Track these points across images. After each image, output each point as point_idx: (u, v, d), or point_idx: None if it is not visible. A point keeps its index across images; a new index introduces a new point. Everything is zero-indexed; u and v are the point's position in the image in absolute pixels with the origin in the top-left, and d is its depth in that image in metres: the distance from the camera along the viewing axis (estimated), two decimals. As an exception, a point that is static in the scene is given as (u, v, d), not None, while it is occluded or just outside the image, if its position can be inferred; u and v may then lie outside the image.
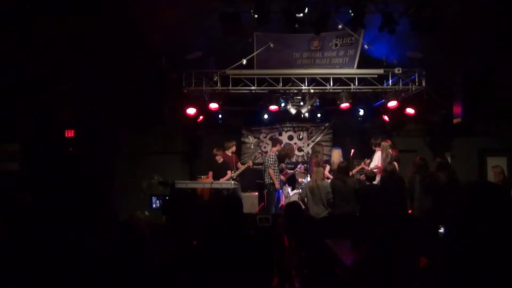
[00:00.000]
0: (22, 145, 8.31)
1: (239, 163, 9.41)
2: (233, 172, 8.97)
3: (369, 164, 8.92)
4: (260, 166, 10.03)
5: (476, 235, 1.55)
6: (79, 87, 8.02)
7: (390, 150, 8.39)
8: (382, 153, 8.59)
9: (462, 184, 1.79)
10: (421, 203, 6.90)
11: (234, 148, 9.43)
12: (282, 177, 9.26)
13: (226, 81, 8.91)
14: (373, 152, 9.10)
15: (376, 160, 8.73)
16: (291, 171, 9.83)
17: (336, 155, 9.07)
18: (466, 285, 1.52)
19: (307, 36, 8.03)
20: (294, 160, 10.81)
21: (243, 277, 2.76)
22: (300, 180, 9.83)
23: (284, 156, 9.41)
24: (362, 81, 9.05)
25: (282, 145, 9.43)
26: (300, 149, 11.19)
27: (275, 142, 9.44)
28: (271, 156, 8.97)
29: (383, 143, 8.64)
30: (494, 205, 1.58)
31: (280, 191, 9.23)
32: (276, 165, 8.88)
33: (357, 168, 9.23)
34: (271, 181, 8.80)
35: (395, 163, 8.19)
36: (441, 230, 4.66)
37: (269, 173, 8.82)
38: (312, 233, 4.41)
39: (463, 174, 7.99)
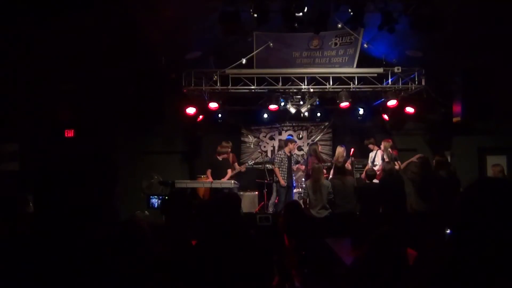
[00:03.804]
0: (22, 145, 8.31)
1: (236, 163, 9.34)
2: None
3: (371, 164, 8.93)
4: (260, 166, 10.02)
5: (485, 234, 1.54)
6: (79, 87, 8.02)
7: (390, 150, 8.39)
8: (383, 153, 8.60)
9: (466, 181, 1.78)
10: (422, 201, 6.90)
11: (228, 150, 9.33)
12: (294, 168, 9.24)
13: (225, 80, 8.91)
14: (368, 150, 9.18)
15: (380, 161, 8.74)
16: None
17: (340, 153, 9.11)
18: (473, 283, 1.51)
19: (307, 35, 8.03)
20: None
21: (243, 277, 2.76)
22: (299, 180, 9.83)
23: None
24: (362, 80, 9.05)
25: (294, 144, 9.36)
26: (300, 148, 11.19)
27: (286, 142, 9.35)
28: (279, 155, 8.96)
29: (383, 142, 8.64)
30: (502, 201, 1.56)
31: (293, 190, 9.22)
32: (283, 164, 8.83)
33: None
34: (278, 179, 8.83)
35: (397, 162, 8.20)
36: (448, 231, 4.66)
37: (274, 171, 8.83)
38: (312, 232, 4.41)
39: (463, 172, 7.98)
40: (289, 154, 8.97)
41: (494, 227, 1.52)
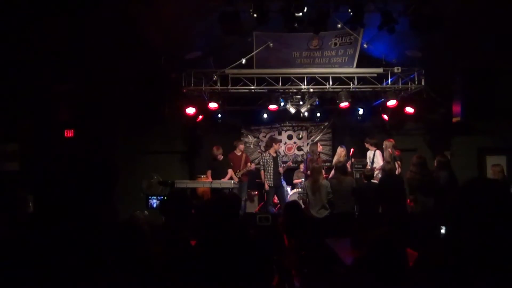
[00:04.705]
0: (22, 145, 8.31)
1: (249, 163, 9.28)
2: (237, 171, 8.95)
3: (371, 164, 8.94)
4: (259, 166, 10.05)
5: (478, 233, 1.55)
6: (79, 87, 8.02)
7: (390, 150, 8.39)
8: (384, 152, 8.60)
9: (462, 182, 1.79)
10: (421, 202, 6.90)
11: (242, 147, 9.39)
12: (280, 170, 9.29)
13: (225, 80, 8.91)
14: (367, 150, 9.18)
15: (380, 160, 8.76)
16: (285, 164, 9.90)
17: (340, 154, 9.13)
18: (467, 282, 1.52)
19: (307, 35, 8.03)
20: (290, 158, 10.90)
21: (243, 277, 2.77)
22: (298, 180, 9.85)
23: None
24: (362, 80, 9.05)
25: (278, 144, 9.41)
26: (299, 148, 11.20)
27: (270, 142, 9.46)
28: (263, 157, 9.08)
29: (385, 142, 8.65)
30: (494, 201, 1.57)
31: (284, 190, 9.27)
32: (269, 166, 8.90)
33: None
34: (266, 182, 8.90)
35: (398, 162, 8.20)
36: (443, 230, 4.68)
37: (260, 174, 8.94)
38: (312, 232, 4.41)
39: (462, 173, 7.98)
40: (274, 155, 9.02)
41: (486, 225, 1.53)
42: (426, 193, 6.89)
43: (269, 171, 8.87)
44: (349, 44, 8.34)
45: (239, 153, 9.24)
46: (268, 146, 9.47)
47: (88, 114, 8.62)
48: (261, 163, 9.04)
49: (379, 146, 9.14)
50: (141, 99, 8.83)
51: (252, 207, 9.57)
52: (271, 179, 8.86)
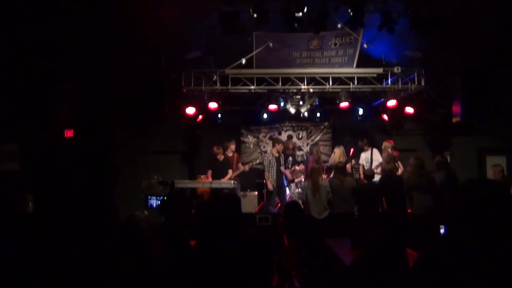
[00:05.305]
0: (22, 145, 8.31)
1: (239, 163, 9.34)
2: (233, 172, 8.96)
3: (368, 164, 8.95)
4: (260, 166, 10.05)
5: (476, 233, 1.55)
6: (79, 87, 8.02)
7: (389, 150, 8.39)
8: (383, 152, 8.61)
9: (461, 182, 1.80)
10: (419, 202, 6.91)
11: (233, 147, 9.42)
12: (289, 175, 9.29)
13: (225, 80, 8.91)
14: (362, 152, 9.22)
15: (378, 157, 8.77)
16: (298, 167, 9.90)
17: (338, 154, 9.13)
18: (467, 282, 1.52)
19: (306, 35, 8.03)
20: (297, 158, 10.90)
21: (243, 277, 2.77)
22: (298, 179, 9.85)
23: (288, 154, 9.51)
24: (362, 80, 9.05)
25: (280, 144, 9.41)
26: (299, 149, 11.20)
27: (273, 142, 9.48)
28: (266, 157, 9.08)
29: (385, 143, 8.66)
30: (493, 202, 1.57)
31: (287, 191, 9.28)
32: (272, 166, 8.91)
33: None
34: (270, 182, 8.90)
35: (398, 163, 8.20)
36: (442, 230, 4.68)
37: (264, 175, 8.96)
38: (312, 233, 4.41)
39: (462, 173, 7.98)
40: (277, 155, 9.02)
41: (486, 225, 1.53)
42: (424, 194, 6.89)
43: (272, 171, 8.89)
44: (349, 44, 8.34)
45: (230, 154, 9.24)
46: (272, 146, 9.48)
47: (88, 114, 8.61)
48: (264, 163, 9.02)
49: (374, 145, 9.17)
50: (141, 99, 8.82)
51: (252, 207, 9.56)
52: (274, 179, 8.87)
